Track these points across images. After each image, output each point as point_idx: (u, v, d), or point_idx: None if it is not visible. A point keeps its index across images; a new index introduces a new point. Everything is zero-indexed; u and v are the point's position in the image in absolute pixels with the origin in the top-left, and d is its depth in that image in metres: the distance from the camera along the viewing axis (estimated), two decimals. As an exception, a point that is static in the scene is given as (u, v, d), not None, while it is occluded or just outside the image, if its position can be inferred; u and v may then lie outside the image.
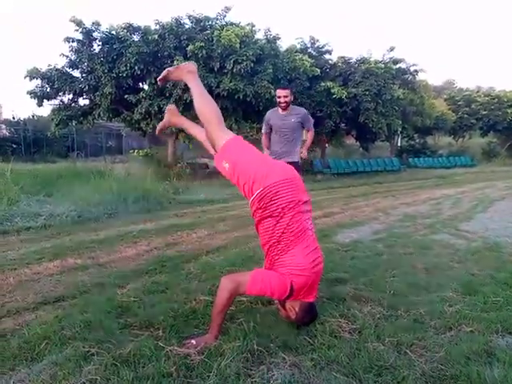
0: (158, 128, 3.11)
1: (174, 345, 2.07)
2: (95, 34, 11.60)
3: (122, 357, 1.95)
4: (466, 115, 25.43)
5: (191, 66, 2.66)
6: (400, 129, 17.33)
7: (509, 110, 24.94)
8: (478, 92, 28.03)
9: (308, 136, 4.77)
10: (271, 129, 4.52)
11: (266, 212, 2.21)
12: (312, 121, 4.67)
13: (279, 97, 4.32)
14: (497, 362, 1.94)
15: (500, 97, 26.06)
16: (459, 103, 26.30)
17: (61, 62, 12.26)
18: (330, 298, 2.74)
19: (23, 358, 1.98)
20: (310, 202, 2.35)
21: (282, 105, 4.31)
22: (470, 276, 3.25)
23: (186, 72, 2.61)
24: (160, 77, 2.68)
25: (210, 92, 11.36)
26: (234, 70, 10.93)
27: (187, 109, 11.59)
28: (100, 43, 11.64)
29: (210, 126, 2.47)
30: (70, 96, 12.78)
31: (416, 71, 17.70)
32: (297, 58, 12.62)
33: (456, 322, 2.38)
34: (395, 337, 2.18)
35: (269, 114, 4.61)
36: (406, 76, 16.86)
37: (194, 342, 2.09)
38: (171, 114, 2.94)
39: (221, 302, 2.16)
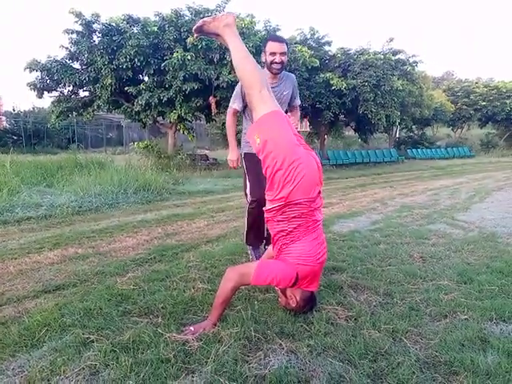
0: (198, 25, 2.47)
1: (172, 331, 2.11)
2: (95, 26, 11.52)
3: (122, 343, 1.99)
4: (464, 106, 25.45)
5: (230, 17, 2.37)
6: (399, 120, 17.28)
7: (507, 101, 24.94)
8: (477, 83, 28.01)
9: (295, 114, 3.47)
10: (244, 108, 3.25)
11: (283, 216, 2.21)
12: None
13: (273, 54, 2.96)
14: (491, 349, 1.97)
15: (499, 88, 26.04)
16: (458, 94, 26.30)
17: (60, 54, 12.23)
18: (327, 286, 2.77)
19: (23, 345, 2.01)
20: (321, 192, 2.30)
21: (278, 66, 3.01)
22: (466, 265, 3.28)
23: (224, 25, 2.36)
24: (195, 27, 2.45)
25: (210, 83, 11.42)
26: (234, 61, 10.88)
27: (187, 100, 11.60)
28: (100, 35, 11.57)
29: (251, 90, 2.27)
30: (70, 88, 12.75)
31: (415, 62, 17.61)
32: (296, 49, 12.56)
33: (451, 309, 2.41)
34: (391, 324, 2.21)
35: (239, 86, 3.20)
36: (405, 67, 16.77)
37: (192, 328, 2.12)
38: (226, 24, 2.37)
39: (224, 292, 2.18)
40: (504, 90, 25.75)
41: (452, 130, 29.33)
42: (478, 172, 14.01)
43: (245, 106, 3.23)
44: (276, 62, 2.97)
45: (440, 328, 2.19)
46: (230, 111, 3.29)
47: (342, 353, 1.95)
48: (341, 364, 1.86)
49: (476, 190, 8.47)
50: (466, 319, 2.29)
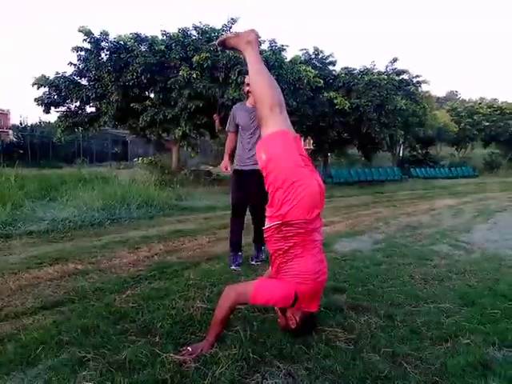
0: (221, 39, 2.56)
1: (170, 351, 2.08)
2: (103, 44, 11.73)
3: (118, 362, 1.97)
4: (468, 126, 25.55)
5: (252, 35, 2.42)
6: (402, 139, 17.36)
7: (511, 122, 24.99)
8: (480, 103, 28.20)
9: None
10: (237, 127, 3.96)
11: (280, 235, 2.21)
12: None
13: (243, 83, 3.63)
14: (492, 376, 1.93)
15: (503, 108, 26.21)
16: (462, 114, 26.43)
17: (69, 70, 12.42)
18: (327, 307, 2.74)
19: (18, 363, 1.99)
20: (321, 212, 2.30)
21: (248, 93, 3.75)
22: (468, 287, 3.24)
23: (245, 42, 2.41)
24: (218, 41, 2.53)
25: (215, 101, 11.54)
26: (239, 80, 11.02)
27: (191, 117, 11.72)
28: (108, 52, 11.76)
29: (262, 107, 2.31)
30: (77, 103, 12.88)
31: (419, 82, 17.77)
32: (301, 68, 12.71)
33: (453, 333, 2.38)
34: (391, 347, 2.18)
35: (235, 109, 4.02)
36: (409, 87, 16.92)
37: (190, 349, 2.09)
38: (248, 42, 2.43)
39: (222, 312, 2.16)
40: (507, 111, 25.90)
41: (456, 149, 29.37)
42: (482, 192, 13.96)
43: (237, 128, 3.98)
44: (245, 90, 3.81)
45: (441, 352, 2.16)
46: (228, 134, 4.14)
47: (341, 376, 1.91)
48: (339, 388, 1.83)
49: (479, 211, 8.43)
50: (467, 344, 2.25)
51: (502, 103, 28.28)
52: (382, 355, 2.10)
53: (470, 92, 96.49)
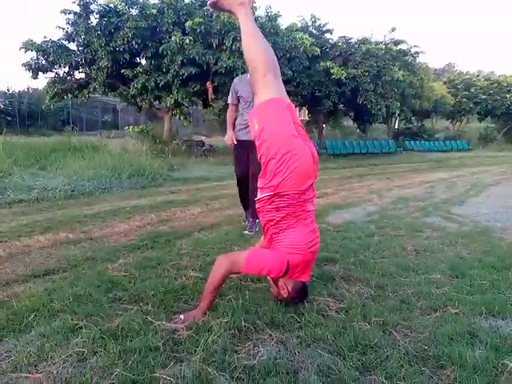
0: (213, 0, 2.40)
1: (162, 319, 2.09)
2: (92, 7, 11.30)
3: (110, 330, 1.97)
4: (464, 99, 25.37)
5: None
6: (398, 111, 17.22)
7: (508, 95, 24.91)
8: (478, 76, 27.92)
9: None
10: (239, 100, 4.04)
11: (272, 206, 2.20)
12: None
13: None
14: (479, 344, 1.96)
15: (500, 81, 25.98)
16: (458, 87, 26.19)
17: (57, 35, 12.01)
18: (319, 277, 2.76)
19: (11, 330, 1.99)
20: (314, 182, 2.28)
21: None
22: (459, 259, 3.28)
23: (238, 4, 2.30)
24: (210, 1, 2.40)
25: (208, 68, 11.30)
26: (233, 47, 10.74)
27: (184, 85, 11.46)
28: (97, 16, 11.35)
29: (255, 74, 2.23)
30: (66, 69, 12.55)
31: (417, 53, 17.52)
32: (297, 36, 12.39)
33: (442, 303, 2.41)
34: (381, 317, 2.20)
35: (236, 82, 4.08)
36: (407, 58, 16.66)
37: (182, 317, 2.10)
38: (241, 3, 2.31)
39: (215, 280, 2.16)
40: (505, 84, 25.68)
41: (451, 122, 29.27)
42: (476, 166, 14.03)
43: (238, 100, 4.05)
44: None
45: (430, 322, 2.19)
46: (229, 106, 4.18)
47: (332, 345, 1.94)
48: (330, 356, 1.85)
49: (472, 184, 8.48)
50: (456, 313, 2.29)
51: (499, 76, 27.99)
52: (373, 324, 2.13)
53: (468, 64, 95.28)
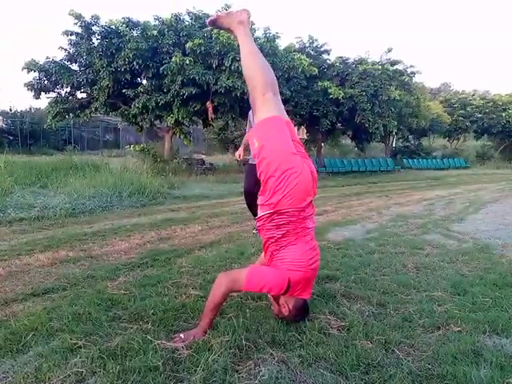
0: (212, 18, 2.43)
1: (162, 338, 2.07)
2: (94, 28, 11.54)
3: (110, 350, 1.95)
4: (461, 118, 25.65)
5: (244, 14, 2.35)
6: (395, 130, 17.39)
7: (503, 114, 25.17)
8: (473, 95, 28.30)
9: None
10: None
11: (272, 223, 2.21)
12: None
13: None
14: (483, 363, 1.94)
15: (495, 100, 26.32)
16: (455, 106, 26.50)
17: (59, 55, 12.23)
18: (320, 295, 2.74)
19: (8, 350, 1.96)
20: (313, 200, 2.29)
21: None
22: (460, 276, 3.26)
23: (237, 22, 2.33)
24: (209, 20, 2.43)
25: (208, 88, 11.48)
26: (232, 68, 10.92)
27: (184, 104, 11.60)
28: (99, 37, 11.59)
29: (254, 92, 2.25)
30: (68, 89, 12.75)
31: (413, 73, 17.78)
32: (295, 57, 12.62)
33: (444, 321, 2.39)
34: (383, 335, 2.18)
35: (251, 114, 4.36)
36: (403, 77, 16.90)
37: (182, 336, 2.08)
38: (240, 22, 2.35)
39: (215, 299, 2.14)
40: (500, 103, 26.01)
41: (448, 140, 29.51)
42: (473, 183, 14.08)
43: None
44: None
45: (433, 340, 2.17)
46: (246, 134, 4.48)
47: (334, 364, 1.91)
48: (332, 375, 1.82)
49: (471, 201, 8.49)
50: (459, 331, 2.26)
51: (494, 95, 28.40)
52: (375, 343, 2.11)
53: (463, 84, 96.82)
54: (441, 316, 2.46)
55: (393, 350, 2.05)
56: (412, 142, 26.33)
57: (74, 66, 12.34)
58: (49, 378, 1.73)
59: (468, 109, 26.02)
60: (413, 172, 19.62)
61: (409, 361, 1.95)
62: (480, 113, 25.82)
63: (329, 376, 1.81)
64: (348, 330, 2.26)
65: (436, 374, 1.84)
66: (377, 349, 2.04)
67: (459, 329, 2.29)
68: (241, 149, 4.63)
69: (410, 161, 22.73)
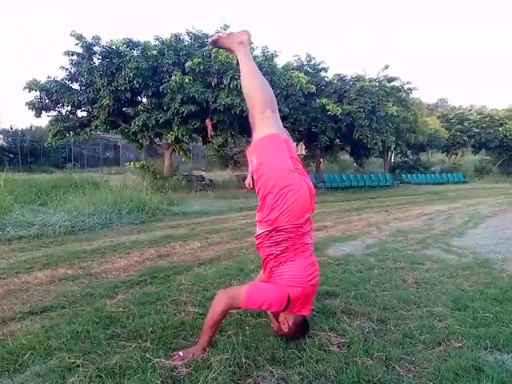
0: (214, 38, 2.54)
1: (161, 357, 2.06)
2: (95, 48, 11.72)
3: (108, 368, 1.93)
4: (458, 133, 25.83)
5: (244, 35, 2.42)
6: (394, 145, 17.50)
7: (500, 128, 25.36)
8: (470, 110, 28.59)
9: None
10: None
11: (271, 241, 2.22)
12: None
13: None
14: (485, 379, 1.93)
15: (492, 115, 26.56)
16: (452, 121, 26.73)
17: (60, 75, 12.39)
18: (320, 311, 2.73)
19: (5, 369, 1.95)
20: (311, 216, 2.31)
21: None
22: (461, 291, 3.25)
23: (238, 43, 2.41)
24: (210, 40, 2.52)
25: (208, 106, 11.59)
26: (231, 86, 11.06)
27: (184, 122, 11.71)
28: (100, 57, 11.76)
29: (254, 110, 2.31)
30: (69, 108, 12.88)
31: (410, 89, 18.00)
32: (293, 75, 12.79)
33: (445, 337, 2.37)
34: (384, 351, 2.17)
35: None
36: (400, 94, 17.10)
37: (181, 353, 2.06)
38: (240, 42, 2.43)
39: (214, 316, 2.14)
40: (497, 118, 26.24)
41: (446, 155, 29.67)
42: (472, 198, 14.10)
43: None
44: None
45: (434, 356, 2.15)
46: None
47: (334, 381, 1.90)
48: (332, 393, 1.81)
49: (470, 216, 8.50)
50: (460, 347, 2.25)
51: (491, 110, 28.69)
52: (375, 359, 2.09)
53: (460, 99, 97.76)
54: (441, 332, 2.45)
55: (393, 367, 2.03)
56: (410, 157, 26.44)
57: (75, 86, 12.49)
58: (46, 398, 1.72)
59: (465, 124, 26.23)
60: (412, 187, 19.66)
61: (410, 377, 1.94)
62: (477, 127, 26.03)
63: (329, 393, 1.80)
64: (348, 346, 2.25)
65: (437, 391, 1.83)
66: (377, 365, 2.03)
67: (460, 344, 2.28)
68: (249, 176, 4.68)
69: (408, 176, 22.78)
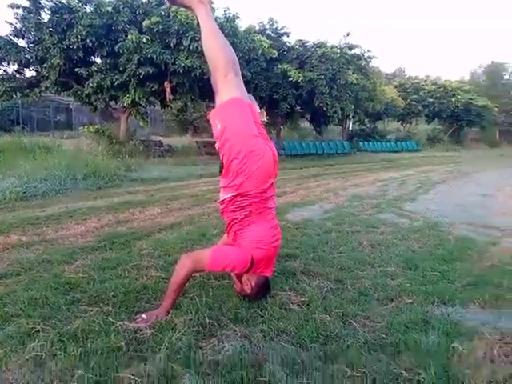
0: None
1: (124, 320, 2.06)
2: (43, 2, 10.81)
3: (70, 333, 1.91)
4: (414, 102, 26.58)
5: None
6: (352, 113, 17.78)
7: (453, 99, 26.33)
8: (425, 81, 29.37)
9: None
10: None
11: (235, 206, 2.23)
12: None
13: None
14: (432, 330, 2.08)
15: (446, 86, 27.52)
16: (408, 90, 27.41)
17: (5, 31, 11.39)
18: (280, 273, 2.81)
19: (-39, 337, 1.88)
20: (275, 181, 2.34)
21: None
22: (412, 252, 3.46)
23: (198, 1, 2.28)
24: None
25: (166, 68, 11.14)
26: (191, 47, 10.65)
27: (141, 84, 11.23)
28: (49, 12, 10.88)
29: (216, 73, 2.24)
30: (15, 66, 11.93)
31: (370, 57, 18.13)
32: (255, 38, 12.50)
33: (397, 294, 2.54)
34: (341, 308, 2.29)
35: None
36: (360, 62, 17.21)
37: (144, 316, 2.07)
38: (200, 0, 2.29)
39: (178, 279, 2.15)
40: (450, 89, 27.22)
41: (401, 124, 30.57)
42: (424, 165, 14.75)
43: None
44: None
45: (387, 311, 2.30)
46: None
47: (295, 337, 1.99)
48: (293, 347, 1.90)
49: (422, 183, 8.92)
50: (410, 303, 2.41)
51: (445, 81, 29.67)
52: (333, 316, 2.21)
53: (417, 70, 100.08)
54: (394, 289, 2.61)
55: (350, 322, 2.15)
56: (368, 125, 27.01)
57: (22, 42, 11.55)
58: (5, 364, 1.69)
59: (420, 93, 27.01)
60: (368, 154, 20.22)
61: (364, 331, 2.06)
62: (432, 97, 26.90)
63: (290, 348, 1.88)
64: (308, 304, 2.35)
65: (389, 342, 1.96)
66: (335, 321, 2.14)
67: (410, 300, 2.45)
68: None
69: (365, 144, 23.34)
